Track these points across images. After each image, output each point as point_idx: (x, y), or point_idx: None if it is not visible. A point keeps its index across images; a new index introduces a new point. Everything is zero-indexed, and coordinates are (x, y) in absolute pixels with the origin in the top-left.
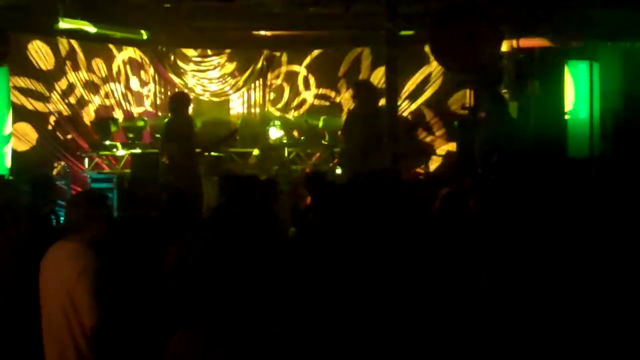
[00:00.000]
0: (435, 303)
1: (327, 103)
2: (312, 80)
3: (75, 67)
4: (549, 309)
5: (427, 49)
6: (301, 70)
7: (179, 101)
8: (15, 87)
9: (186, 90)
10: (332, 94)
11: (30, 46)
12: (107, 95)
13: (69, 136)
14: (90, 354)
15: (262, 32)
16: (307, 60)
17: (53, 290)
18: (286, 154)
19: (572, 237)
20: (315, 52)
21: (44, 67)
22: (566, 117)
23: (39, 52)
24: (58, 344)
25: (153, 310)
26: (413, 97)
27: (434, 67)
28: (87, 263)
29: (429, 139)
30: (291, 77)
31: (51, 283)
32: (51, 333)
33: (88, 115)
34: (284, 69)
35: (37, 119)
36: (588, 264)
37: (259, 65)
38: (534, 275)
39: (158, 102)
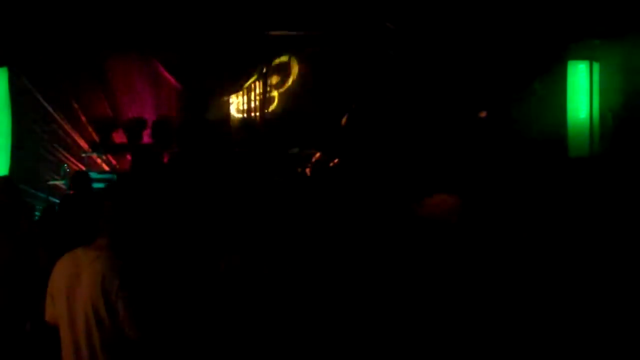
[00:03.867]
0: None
1: None
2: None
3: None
4: (549, 307)
5: None
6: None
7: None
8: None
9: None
10: None
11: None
12: (108, 95)
13: (69, 136)
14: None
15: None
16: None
17: (82, 301)
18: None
19: (572, 236)
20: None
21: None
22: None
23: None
24: (88, 349)
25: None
26: None
27: None
28: (127, 275)
29: None
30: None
31: (80, 293)
32: (79, 341)
33: (89, 115)
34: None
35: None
36: (588, 262)
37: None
38: (533, 274)
39: (158, 102)
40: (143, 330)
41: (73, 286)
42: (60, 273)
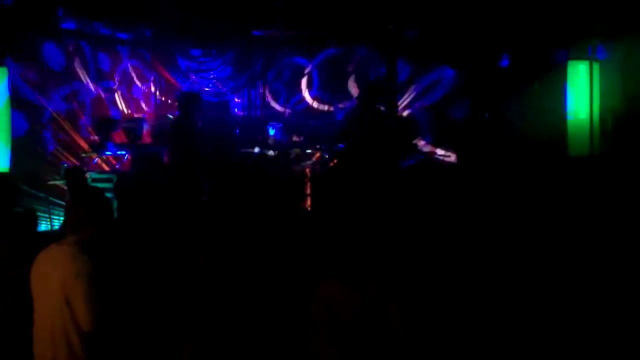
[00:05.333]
0: None
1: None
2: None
3: (80, 67)
4: (548, 304)
5: None
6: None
7: (187, 100)
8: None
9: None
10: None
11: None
12: (108, 95)
13: (69, 136)
14: (84, 355)
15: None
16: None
17: (48, 293)
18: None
19: (572, 235)
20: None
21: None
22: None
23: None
24: (51, 345)
25: (150, 312)
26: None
27: None
28: (83, 267)
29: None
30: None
31: (46, 286)
32: (44, 333)
33: (89, 115)
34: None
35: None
36: (587, 261)
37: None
38: (533, 272)
39: (158, 101)
40: (97, 322)
41: (43, 281)
42: (36, 269)
